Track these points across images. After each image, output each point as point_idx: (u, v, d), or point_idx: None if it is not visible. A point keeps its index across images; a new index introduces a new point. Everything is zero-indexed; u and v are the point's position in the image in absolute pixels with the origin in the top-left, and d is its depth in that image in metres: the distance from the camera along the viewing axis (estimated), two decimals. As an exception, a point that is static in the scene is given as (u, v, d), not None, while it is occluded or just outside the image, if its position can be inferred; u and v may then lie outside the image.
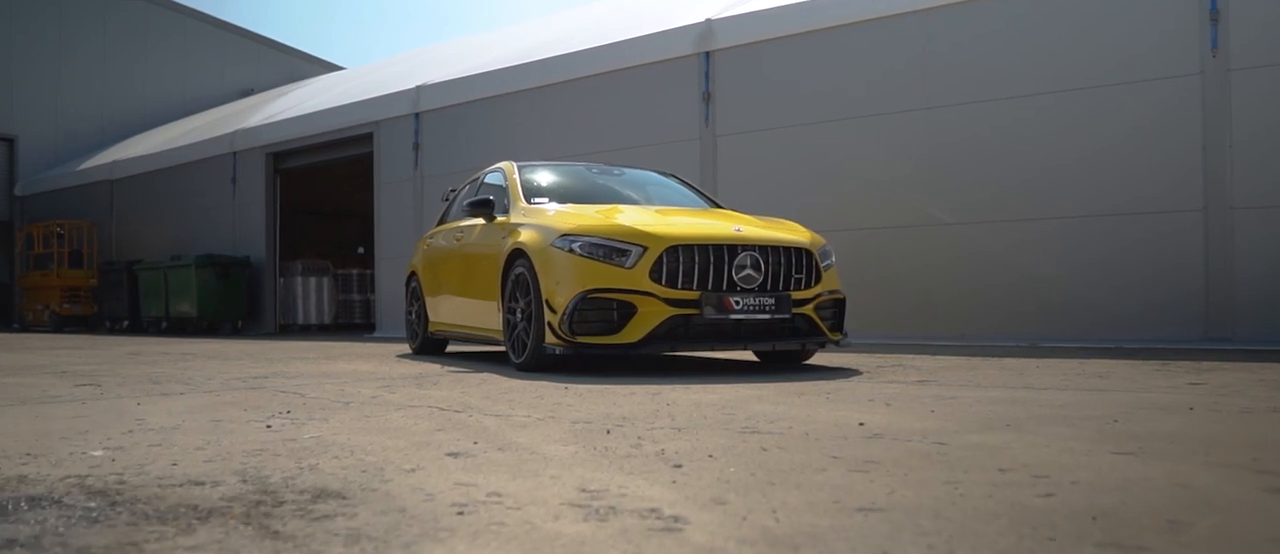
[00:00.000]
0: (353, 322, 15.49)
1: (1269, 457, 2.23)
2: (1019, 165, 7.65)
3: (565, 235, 5.05)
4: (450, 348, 7.76)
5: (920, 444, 2.45)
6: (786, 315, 4.99)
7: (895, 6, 8.21)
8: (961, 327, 7.76)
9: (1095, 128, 7.31)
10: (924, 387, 4.04)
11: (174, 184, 16.50)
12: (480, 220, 6.22)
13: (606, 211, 5.51)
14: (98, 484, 2.03)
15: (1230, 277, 6.73)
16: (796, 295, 5.03)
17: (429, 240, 7.49)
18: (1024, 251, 7.58)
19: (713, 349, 5.03)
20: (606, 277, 4.85)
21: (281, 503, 1.83)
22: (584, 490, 1.92)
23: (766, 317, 4.93)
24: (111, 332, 15.42)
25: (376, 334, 12.32)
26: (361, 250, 15.69)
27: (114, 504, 1.84)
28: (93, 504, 1.84)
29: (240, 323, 14.34)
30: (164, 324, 14.72)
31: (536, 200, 5.94)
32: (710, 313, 4.81)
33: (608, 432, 2.76)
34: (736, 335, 4.95)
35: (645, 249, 4.85)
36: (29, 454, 2.44)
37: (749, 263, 4.93)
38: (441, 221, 7.51)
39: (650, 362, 5.81)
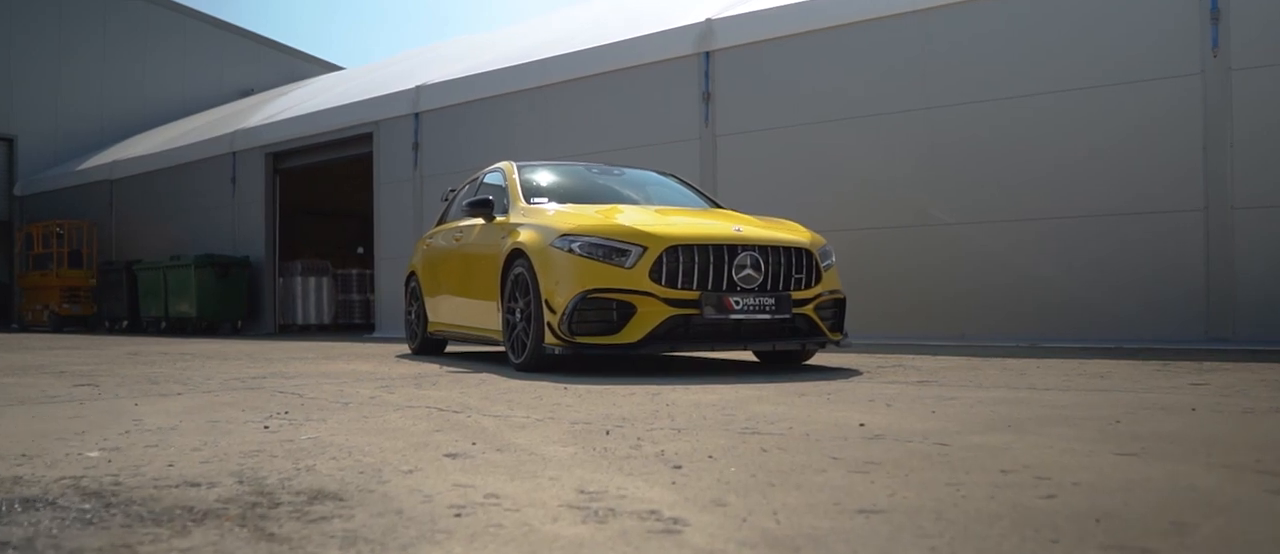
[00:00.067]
0: (352, 322, 15.49)
1: (1272, 457, 2.22)
2: (1019, 165, 7.64)
3: (565, 235, 5.04)
4: (449, 348, 7.75)
5: (921, 445, 2.44)
6: (786, 315, 4.97)
7: (895, 6, 8.20)
8: (961, 327, 7.75)
9: (1095, 128, 7.30)
10: (925, 387, 4.03)
11: (174, 184, 16.49)
12: (480, 220, 6.21)
13: (606, 211, 5.50)
14: (93, 485, 2.02)
15: (1231, 276, 6.72)
16: (796, 295, 5.02)
17: (428, 240, 7.47)
18: (1024, 252, 7.57)
19: (713, 349, 5.03)
20: (606, 277, 4.84)
21: (277, 504, 1.82)
22: (583, 492, 1.91)
23: (766, 317, 4.92)
24: (111, 332, 15.41)
25: (376, 334, 12.30)
26: (361, 250, 15.69)
27: (109, 506, 1.82)
28: (87, 506, 1.83)
29: (240, 323, 14.33)
30: (163, 324, 14.71)
31: (536, 200, 5.93)
32: (710, 313, 4.80)
33: (607, 432, 2.75)
34: (736, 335, 4.94)
35: (645, 249, 4.84)
36: (25, 455, 2.43)
37: (749, 263, 4.91)
38: (441, 221, 7.50)
39: (650, 362, 5.80)
